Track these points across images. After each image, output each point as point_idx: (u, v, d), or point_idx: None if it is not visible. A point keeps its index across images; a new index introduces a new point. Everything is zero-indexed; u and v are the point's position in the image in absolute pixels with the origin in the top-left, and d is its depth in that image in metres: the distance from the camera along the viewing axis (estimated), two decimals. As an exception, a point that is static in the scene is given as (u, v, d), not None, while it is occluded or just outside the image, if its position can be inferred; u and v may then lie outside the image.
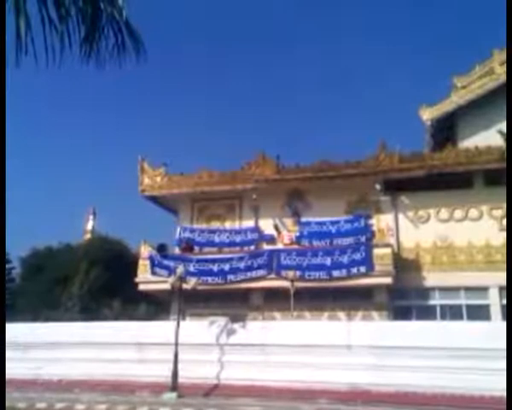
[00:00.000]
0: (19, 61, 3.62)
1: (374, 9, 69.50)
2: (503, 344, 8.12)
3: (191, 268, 16.43)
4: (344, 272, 15.87)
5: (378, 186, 17.15)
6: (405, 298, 16.64)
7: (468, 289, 16.22)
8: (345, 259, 16.01)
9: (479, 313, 15.47)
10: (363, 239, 16.68)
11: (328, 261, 16.09)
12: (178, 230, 19.13)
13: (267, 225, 18.26)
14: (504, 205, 14.78)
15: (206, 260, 17.39)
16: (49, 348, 13.50)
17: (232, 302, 16.85)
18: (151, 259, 17.87)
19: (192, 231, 18.97)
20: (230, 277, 16.95)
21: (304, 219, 17.93)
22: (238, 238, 18.46)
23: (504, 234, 15.84)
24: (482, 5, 65.09)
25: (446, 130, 20.07)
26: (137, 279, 18.13)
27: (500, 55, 18.93)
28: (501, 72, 18.44)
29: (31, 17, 3.63)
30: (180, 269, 12.92)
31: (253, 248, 18.00)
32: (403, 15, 72.16)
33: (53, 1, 3.79)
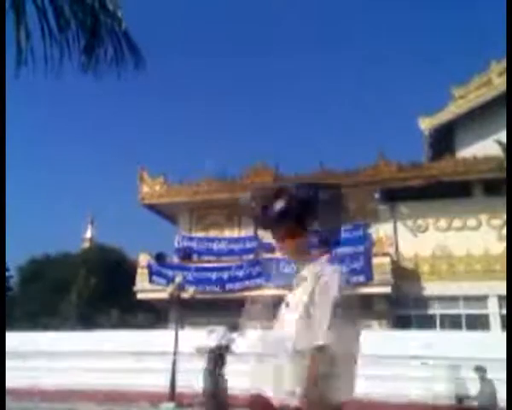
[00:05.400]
0: (19, 72, 3.63)
1: (374, 19, 70.02)
2: (503, 354, 8.10)
3: (189, 277, 16.40)
4: (343, 281, 15.83)
5: (377, 195, 17.17)
6: (405, 307, 16.60)
7: (466, 298, 16.20)
8: (343, 268, 15.98)
9: (478, 322, 15.44)
10: (361, 248, 16.63)
11: (327, 270, 16.04)
12: (177, 238, 19.12)
13: (266, 234, 18.20)
14: (503, 214, 14.81)
15: (205, 269, 17.36)
16: (47, 356, 13.42)
17: (231, 311, 16.80)
18: (149, 267, 17.83)
19: (191, 239, 18.95)
20: (229, 285, 16.91)
21: (303, 228, 17.90)
22: (237, 247, 18.43)
23: (503, 243, 15.85)
24: (480, 16, 65.60)
25: (444, 139, 20.13)
26: (136, 288, 18.08)
27: (498, 66, 19.04)
28: (498, 82, 18.53)
29: (30, 28, 3.66)
30: (178, 278, 12.92)
31: (251, 256, 17.98)
32: (403, 26, 72.70)
33: (53, 11, 3.82)
